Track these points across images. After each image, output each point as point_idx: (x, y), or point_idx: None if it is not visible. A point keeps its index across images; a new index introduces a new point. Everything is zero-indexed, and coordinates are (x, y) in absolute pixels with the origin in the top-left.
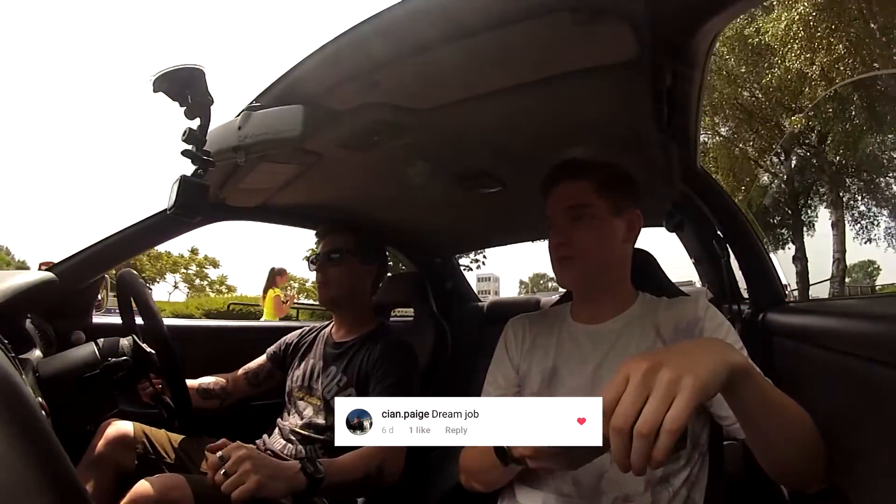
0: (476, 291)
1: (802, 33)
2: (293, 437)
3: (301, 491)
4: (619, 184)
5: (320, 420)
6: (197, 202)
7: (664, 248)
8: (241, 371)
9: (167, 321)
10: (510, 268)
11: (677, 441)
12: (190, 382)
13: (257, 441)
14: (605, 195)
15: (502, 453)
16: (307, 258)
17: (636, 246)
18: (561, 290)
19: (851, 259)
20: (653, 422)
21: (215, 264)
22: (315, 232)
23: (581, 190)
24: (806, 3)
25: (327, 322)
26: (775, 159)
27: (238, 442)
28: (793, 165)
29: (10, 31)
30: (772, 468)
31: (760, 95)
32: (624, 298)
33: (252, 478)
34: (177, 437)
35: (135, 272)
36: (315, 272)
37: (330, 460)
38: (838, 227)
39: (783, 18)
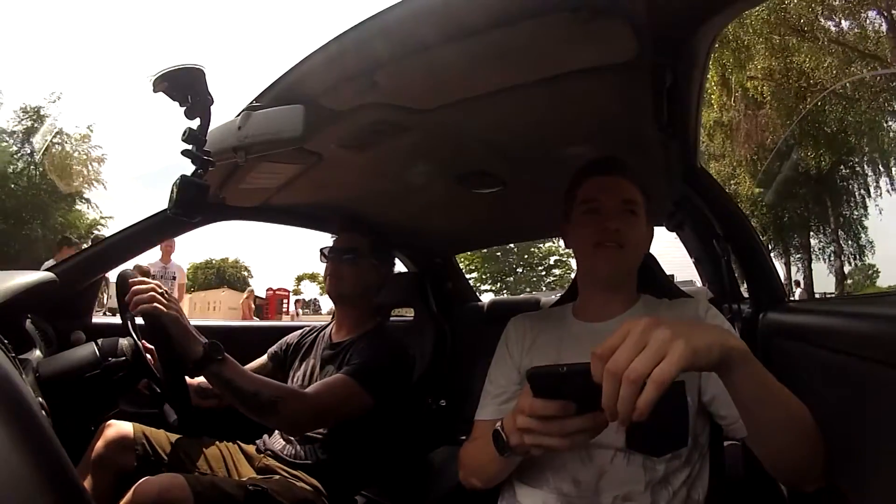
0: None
1: None
2: (292, 438)
3: (193, 360)
4: (651, 197)
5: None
6: (197, 202)
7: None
8: None
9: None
10: None
11: (678, 438)
12: (188, 381)
13: (258, 441)
14: (646, 203)
15: (500, 442)
16: (321, 250)
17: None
18: (557, 292)
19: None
20: (641, 371)
21: None
22: (330, 229)
23: (633, 188)
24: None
25: (328, 322)
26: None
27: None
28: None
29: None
30: (769, 461)
31: None
32: (628, 298)
33: (162, 309)
34: (177, 439)
35: (134, 271)
36: (327, 265)
37: (237, 364)
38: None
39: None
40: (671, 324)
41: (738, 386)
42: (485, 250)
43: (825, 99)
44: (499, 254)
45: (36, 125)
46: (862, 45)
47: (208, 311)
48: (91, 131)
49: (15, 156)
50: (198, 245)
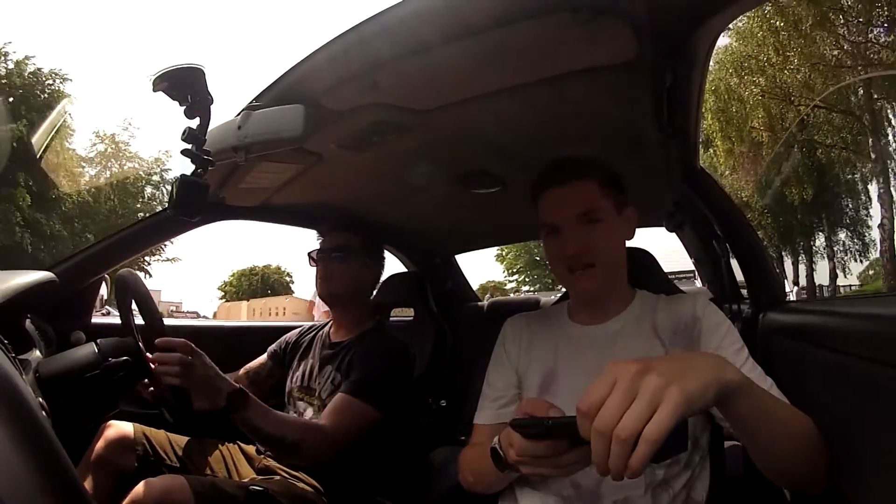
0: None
1: None
2: None
3: (216, 409)
4: (617, 181)
5: (318, 419)
6: (197, 202)
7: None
8: (241, 370)
9: (167, 321)
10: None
11: (677, 443)
12: None
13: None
14: (609, 195)
15: (498, 459)
16: (308, 253)
17: (636, 245)
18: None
19: None
20: (632, 428)
21: None
22: (319, 229)
23: (589, 192)
24: None
25: (326, 322)
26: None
27: (196, 355)
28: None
29: None
30: (771, 474)
31: None
32: (622, 298)
33: (190, 381)
34: (177, 439)
35: (134, 271)
36: (316, 266)
37: (264, 406)
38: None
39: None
40: (663, 367)
41: (735, 415)
42: (527, 254)
43: (811, 145)
44: (538, 258)
45: (110, 149)
46: (843, 105)
47: (270, 317)
48: (170, 156)
49: (92, 179)
50: (241, 252)
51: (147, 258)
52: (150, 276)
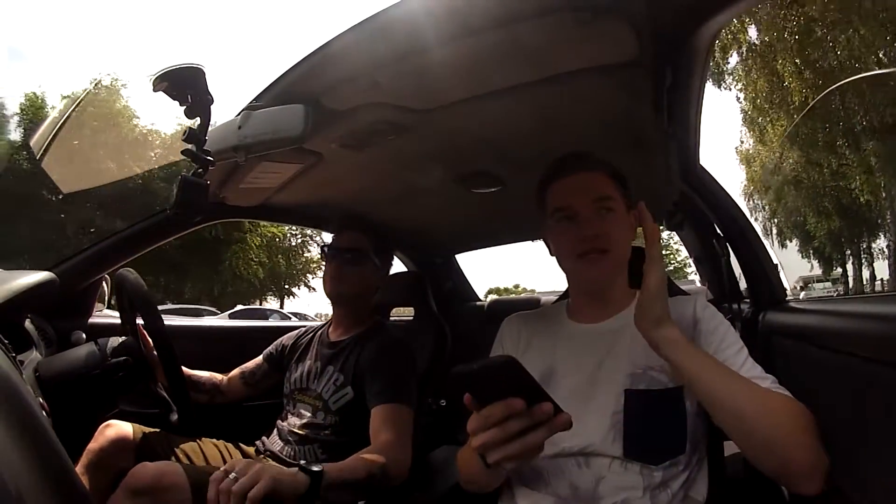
0: None
1: None
2: (290, 438)
3: (305, 489)
4: (626, 181)
5: (319, 420)
6: (197, 202)
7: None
8: (237, 371)
9: (167, 321)
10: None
11: (674, 445)
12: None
13: (257, 442)
14: (621, 189)
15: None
16: (322, 247)
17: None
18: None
19: None
20: None
21: None
22: (325, 229)
23: (604, 182)
24: None
25: (324, 322)
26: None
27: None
28: None
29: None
30: (749, 458)
31: None
32: (622, 297)
33: (266, 475)
34: (177, 439)
35: (134, 271)
36: (327, 264)
37: (333, 464)
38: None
39: None
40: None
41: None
42: None
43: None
44: None
45: None
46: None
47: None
48: None
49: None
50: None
51: (309, 275)
52: (315, 290)
